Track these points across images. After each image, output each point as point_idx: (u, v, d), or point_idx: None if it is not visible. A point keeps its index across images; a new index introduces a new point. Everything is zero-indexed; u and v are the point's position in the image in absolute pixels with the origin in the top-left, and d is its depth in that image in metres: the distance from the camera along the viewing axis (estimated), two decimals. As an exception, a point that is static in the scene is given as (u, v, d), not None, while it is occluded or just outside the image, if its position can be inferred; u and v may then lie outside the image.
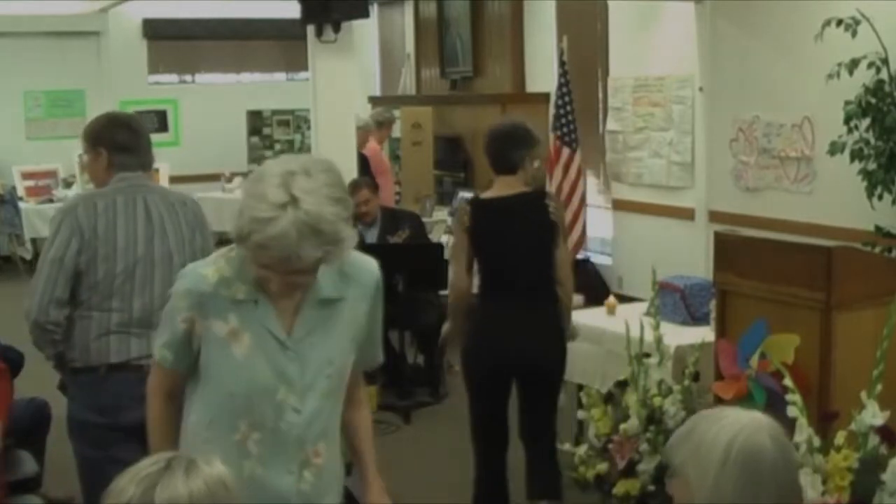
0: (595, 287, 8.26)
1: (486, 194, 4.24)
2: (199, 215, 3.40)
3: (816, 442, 3.55)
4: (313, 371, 2.26)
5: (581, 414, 4.98)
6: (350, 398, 2.43)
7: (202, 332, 2.24)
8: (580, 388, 5.04)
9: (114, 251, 3.19)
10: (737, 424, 1.79)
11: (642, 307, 5.05)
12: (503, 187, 4.16)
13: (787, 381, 3.60)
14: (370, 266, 2.38)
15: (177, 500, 1.64)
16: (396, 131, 9.13)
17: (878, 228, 5.57)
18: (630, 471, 4.52)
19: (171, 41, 12.01)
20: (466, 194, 8.24)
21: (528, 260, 4.15)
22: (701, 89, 7.38)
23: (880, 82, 5.49)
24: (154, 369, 2.40)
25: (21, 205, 10.75)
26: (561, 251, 4.21)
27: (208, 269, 2.26)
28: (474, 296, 4.25)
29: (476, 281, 4.26)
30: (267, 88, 12.22)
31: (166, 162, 10.20)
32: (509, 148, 4.10)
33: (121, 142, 3.32)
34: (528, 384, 4.33)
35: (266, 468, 2.25)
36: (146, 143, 3.40)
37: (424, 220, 7.41)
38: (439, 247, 6.53)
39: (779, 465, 1.78)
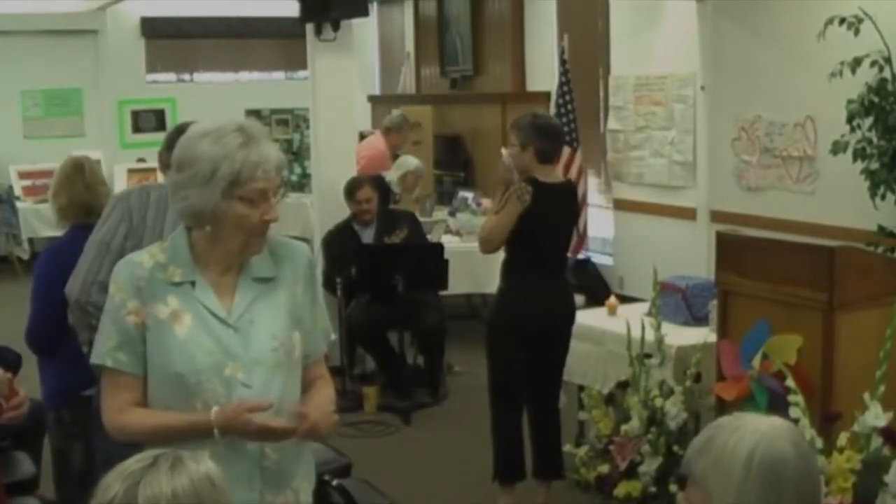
0: (596, 287, 8.24)
1: (542, 180, 4.46)
2: None
3: (819, 443, 3.53)
4: (257, 345, 2.27)
5: (582, 415, 4.97)
6: (310, 386, 2.43)
7: (145, 320, 2.26)
8: (581, 388, 5.02)
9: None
10: (757, 433, 1.76)
11: (643, 307, 5.02)
12: (547, 174, 4.53)
13: (790, 382, 3.58)
14: (300, 247, 2.46)
15: (160, 498, 1.62)
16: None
17: (880, 228, 5.54)
18: (631, 472, 4.51)
19: (170, 40, 11.96)
20: (467, 194, 8.23)
21: (560, 242, 4.65)
22: (703, 88, 7.36)
23: (883, 81, 5.47)
24: (108, 387, 2.30)
25: (18, 204, 10.71)
26: None
27: (142, 257, 2.31)
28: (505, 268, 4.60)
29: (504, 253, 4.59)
30: (266, 87, 12.18)
31: (165, 161, 10.17)
32: (561, 143, 4.73)
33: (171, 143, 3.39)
34: (547, 348, 4.56)
35: (226, 447, 2.22)
36: None
37: (424, 220, 7.38)
38: (439, 247, 6.50)
39: (801, 471, 1.76)
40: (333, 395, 2.50)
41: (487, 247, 4.54)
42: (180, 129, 3.52)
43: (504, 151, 4.54)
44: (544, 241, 4.48)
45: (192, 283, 2.27)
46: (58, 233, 4.04)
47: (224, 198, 2.20)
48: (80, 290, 3.19)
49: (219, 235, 2.26)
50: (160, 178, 3.86)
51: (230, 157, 2.19)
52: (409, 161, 7.85)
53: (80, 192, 3.82)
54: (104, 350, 2.29)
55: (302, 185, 10.30)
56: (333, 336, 2.52)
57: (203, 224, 2.25)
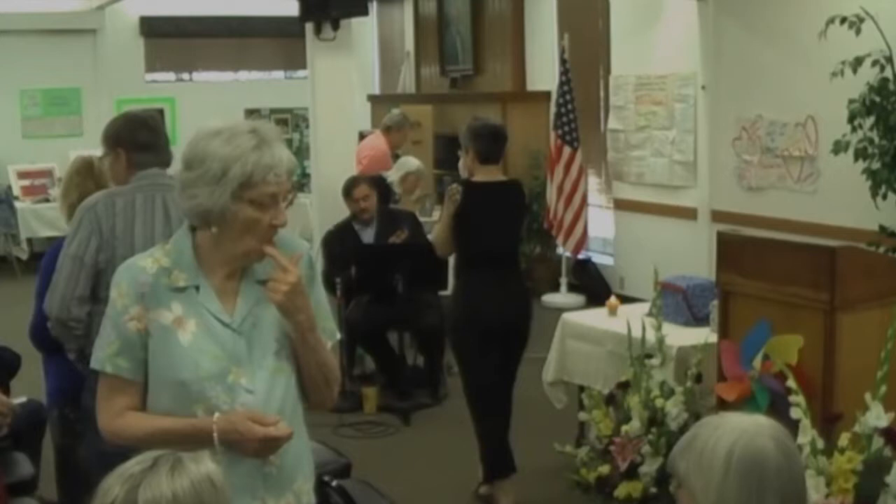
0: (596, 287, 8.24)
1: (476, 179, 4.70)
2: None
3: (820, 444, 3.51)
4: (260, 349, 2.26)
5: (582, 415, 4.96)
6: None
7: (148, 326, 2.23)
8: (581, 389, 5.01)
9: (132, 251, 3.17)
10: (737, 430, 1.73)
11: (644, 308, 5.01)
12: (488, 174, 4.72)
13: (791, 383, 3.57)
14: (300, 244, 2.42)
15: (160, 500, 1.62)
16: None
17: (882, 228, 5.54)
18: (632, 473, 4.49)
19: (169, 39, 11.96)
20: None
21: (506, 238, 4.77)
22: (703, 88, 7.35)
23: (884, 80, 5.46)
24: (105, 391, 2.29)
25: (17, 204, 10.71)
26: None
27: (146, 261, 2.28)
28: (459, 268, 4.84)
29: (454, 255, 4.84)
30: (265, 87, 12.19)
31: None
32: (500, 143, 4.77)
33: (140, 141, 3.34)
34: (507, 344, 4.70)
35: (227, 454, 2.19)
36: (164, 141, 3.42)
37: (424, 219, 7.37)
38: (439, 247, 6.48)
39: (783, 468, 1.72)
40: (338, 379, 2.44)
41: (438, 250, 4.90)
42: (129, 118, 3.49)
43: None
44: (486, 240, 4.64)
45: (197, 288, 2.25)
46: (56, 232, 4.05)
47: (233, 199, 2.17)
48: (60, 308, 3.19)
49: (224, 237, 2.22)
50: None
51: (242, 159, 2.16)
52: (410, 162, 7.83)
53: (91, 189, 3.82)
54: (104, 356, 2.26)
55: (302, 184, 10.29)
56: (339, 336, 2.48)
57: (210, 224, 2.22)
